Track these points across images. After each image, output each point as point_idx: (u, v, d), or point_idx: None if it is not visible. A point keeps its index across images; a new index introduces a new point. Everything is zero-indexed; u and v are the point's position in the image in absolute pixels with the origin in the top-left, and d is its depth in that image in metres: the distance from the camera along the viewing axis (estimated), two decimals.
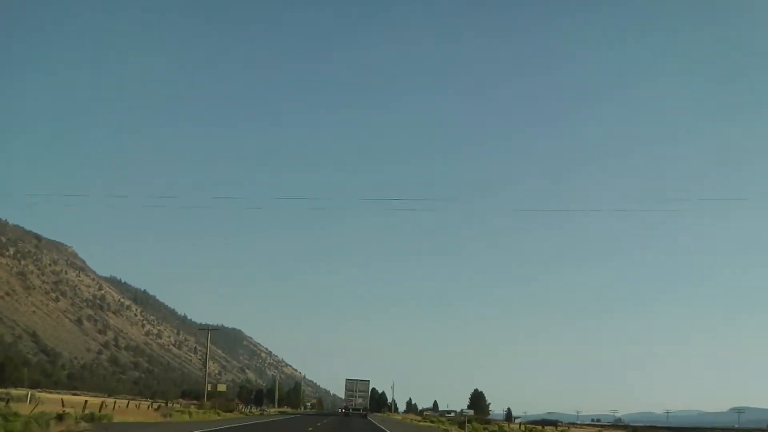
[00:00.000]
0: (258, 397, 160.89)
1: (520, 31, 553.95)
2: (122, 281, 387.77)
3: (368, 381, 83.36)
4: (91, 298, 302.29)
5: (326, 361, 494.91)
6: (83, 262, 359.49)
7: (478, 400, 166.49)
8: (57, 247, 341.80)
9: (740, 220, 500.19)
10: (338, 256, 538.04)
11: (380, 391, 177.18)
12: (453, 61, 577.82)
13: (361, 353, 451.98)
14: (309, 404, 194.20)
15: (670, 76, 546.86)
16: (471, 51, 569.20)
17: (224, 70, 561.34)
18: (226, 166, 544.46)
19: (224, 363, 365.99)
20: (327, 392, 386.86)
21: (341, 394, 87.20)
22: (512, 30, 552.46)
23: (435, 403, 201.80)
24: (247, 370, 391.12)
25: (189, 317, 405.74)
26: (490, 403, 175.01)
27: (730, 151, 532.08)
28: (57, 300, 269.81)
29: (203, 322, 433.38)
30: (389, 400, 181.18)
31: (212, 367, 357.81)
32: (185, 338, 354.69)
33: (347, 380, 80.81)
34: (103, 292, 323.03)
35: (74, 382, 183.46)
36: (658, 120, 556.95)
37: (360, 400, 79.57)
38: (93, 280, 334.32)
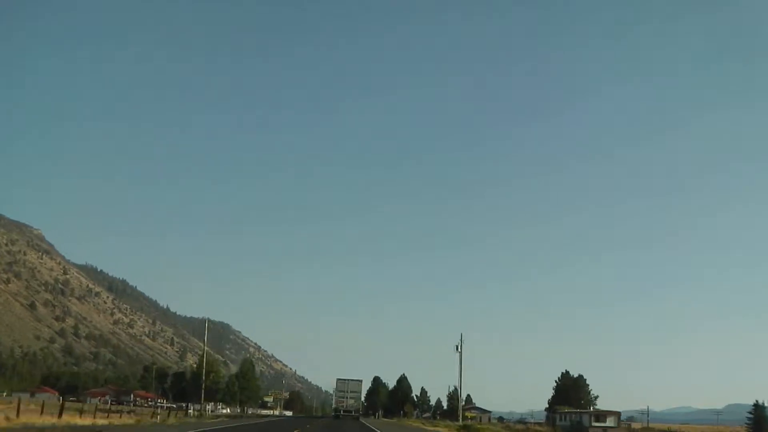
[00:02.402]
0: (177, 385, 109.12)
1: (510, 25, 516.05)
2: (99, 269, 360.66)
3: (360, 381, 78.96)
4: (52, 282, 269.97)
5: (323, 358, 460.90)
6: (50, 245, 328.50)
7: (574, 391, 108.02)
8: (20, 227, 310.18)
9: (738, 216, 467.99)
10: (338, 250, 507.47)
11: (391, 385, 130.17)
12: (447, 58, 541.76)
13: (365, 350, 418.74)
14: (270, 400, 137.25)
15: (667, 69, 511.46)
16: (467, 48, 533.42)
17: (217, 61, 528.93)
18: (216, 159, 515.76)
19: (206, 356, 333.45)
20: (319, 389, 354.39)
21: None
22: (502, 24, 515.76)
23: (469, 399, 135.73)
24: (231, 365, 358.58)
25: (172, 309, 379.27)
26: (597, 396, 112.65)
27: (728, 146, 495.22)
28: (8, 282, 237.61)
29: (188, 315, 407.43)
30: (423, 395, 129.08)
31: (191, 359, 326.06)
32: (162, 329, 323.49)
33: (338, 380, 76.08)
34: (68, 276, 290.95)
35: (5, 374, 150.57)
36: (656, 113, 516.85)
37: (351, 401, 74.94)
38: (58, 264, 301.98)
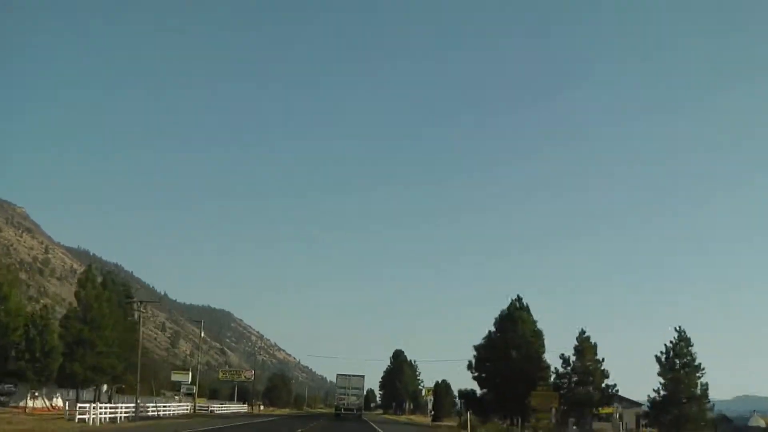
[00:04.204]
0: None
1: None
2: (92, 254, 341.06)
3: (363, 377, 74.18)
4: (29, 260, 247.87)
5: (330, 349, 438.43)
6: (35, 224, 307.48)
7: None
8: (1, 204, 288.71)
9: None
10: (344, 233, 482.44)
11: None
12: (433, 46, 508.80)
13: (375, 340, 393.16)
14: (185, 380, 73.77)
15: (670, 48, 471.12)
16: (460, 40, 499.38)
17: (210, 33, 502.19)
18: (212, 142, 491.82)
19: (201, 344, 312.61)
20: (324, 379, 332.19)
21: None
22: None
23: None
24: (230, 352, 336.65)
25: (171, 296, 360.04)
26: None
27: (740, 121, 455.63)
28: None
29: (187, 302, 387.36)
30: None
31: (184, 346, 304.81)
32: (154, 313, 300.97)
33: (339, 375, 73.33)
34: (49, 255, 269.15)
35: None
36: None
37: (353, 399, 71.61)
38: (41, 243, 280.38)
